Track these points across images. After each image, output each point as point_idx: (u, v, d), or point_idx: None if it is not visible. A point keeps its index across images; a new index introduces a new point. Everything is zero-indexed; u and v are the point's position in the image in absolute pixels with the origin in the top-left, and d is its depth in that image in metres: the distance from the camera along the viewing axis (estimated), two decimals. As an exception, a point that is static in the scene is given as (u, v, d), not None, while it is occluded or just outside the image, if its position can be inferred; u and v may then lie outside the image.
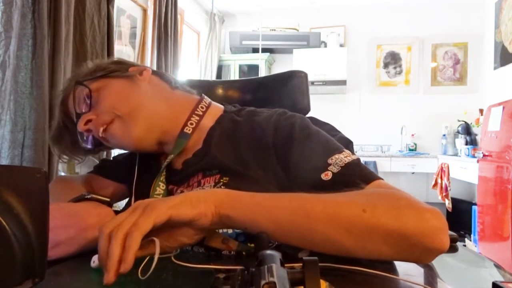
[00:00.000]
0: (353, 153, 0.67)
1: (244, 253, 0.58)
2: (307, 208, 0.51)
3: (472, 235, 3.39)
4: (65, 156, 0.84)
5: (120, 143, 0.76)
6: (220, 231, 0.59)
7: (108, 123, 0.73)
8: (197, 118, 0.78)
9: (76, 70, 0.86)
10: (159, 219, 0.46)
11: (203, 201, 0.50)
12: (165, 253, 0.50)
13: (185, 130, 0.76)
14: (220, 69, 4.60)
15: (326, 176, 0.60)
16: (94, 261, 0.50)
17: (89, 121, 0.73)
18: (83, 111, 0.74)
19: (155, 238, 0.46)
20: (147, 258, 0.47)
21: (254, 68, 4.53)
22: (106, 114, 0.73)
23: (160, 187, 0.74)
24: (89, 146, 0.78)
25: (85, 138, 0.77)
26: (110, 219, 0.49)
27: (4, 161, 1.43)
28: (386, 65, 4.60)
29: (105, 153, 1.82)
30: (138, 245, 0.44)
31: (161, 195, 0.73)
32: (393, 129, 4.52)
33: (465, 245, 3.44)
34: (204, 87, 1.07)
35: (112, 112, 0.73)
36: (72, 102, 0.77)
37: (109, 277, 0.43)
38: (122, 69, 0.80)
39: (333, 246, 0.51)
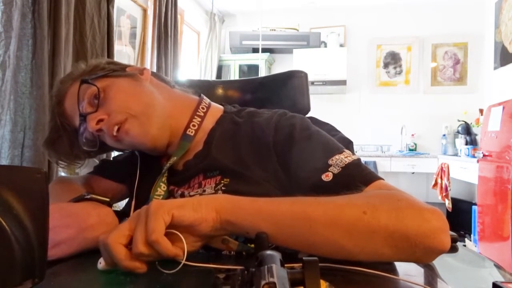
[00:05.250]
0: (353, 153, 0.67)
1: (244, 253, 0.58)
2: (308, 212, 0.51)
3: (472, 235, 3.39)
4: (62, 162, 0.81)
5: (135, 142, 0.74)
6: None
7: (122, 122, 0.72)
8: (199, 119, 0.78)
9: (70, 71, 0.82)
10: (166, 218, 0.47)
11: (204, 206, 0.50)
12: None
13: (187, 132, 0.76)
14: (220, 69, 4.60)
15: (327, 177, 0.60)
16: (101, 262, 0.50)
17: (100, 120, 0.71)
18: (89, 110, 0.72)
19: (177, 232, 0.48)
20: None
21: (254, 68, 4.53)
22: (119, 113, 0.71)
23: (161, 188, 0.73)
24: (87, 148, 0.75)
25: (84, 140, 0.75)
26: (112, 229, 0.49)
27: (4, 161, 1.43)
28: (386, 65, 4.60)
29: (104, 154, 1.81)
30: (168, 241, 0.46)
31: (161, 196, 0.73)
32: (393, 129, 4.52)
33: (465, 245, 3.44)
34: (204, 87, 1.07)
35: (125, 111, 0.72)
36: (70, 102, 0.75)
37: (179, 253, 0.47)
38: (120, 69, 0.79)
39: (334, 249, 0.50)
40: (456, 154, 4.03)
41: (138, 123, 0.72)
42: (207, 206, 0.50)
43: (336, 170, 0.61)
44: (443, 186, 3.66)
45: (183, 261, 0.46)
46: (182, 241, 0.47)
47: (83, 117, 0.72)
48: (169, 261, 0.47)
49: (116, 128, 0.72)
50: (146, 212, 0.48)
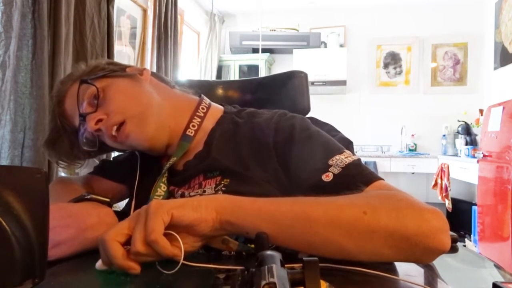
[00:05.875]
0: (353, 153, 0.67)
1: (244, 253, 0.58)
2: (308, 212, 0.51)
3: (472, 236, 3.39)
4: (62, 162, 0.81)
5: (134, 143, 0.74)
6: None
7: (120, 123, 0.72)
8: (199, 120, 0.78)
9: (70, 72, 0.83)
10: (165, 218, 0.47)
11: (204, 207, 0.50)
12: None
13: (187, 133, 0.76)
14: (220, 69, 4.60)
15: (327, 177, 0.60)
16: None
17: (99, 120, 0.71)
18: (88, 111, 0.72)
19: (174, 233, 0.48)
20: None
21: (254, 69, 4.53)
22: (117, 114, 0.72)
23: (162, 188, 0.74)
24: (87, 148, 0.75)
25: (84, 140, 0.75)
26: (110, 228, 0.49)
27: (4, 161, 1.43)
28: (386, 65, 4.60)
29: (104, 154, 1.81)
30: (167, 241, 0.46)
31: (161, 197, 0.73)
32: (393, 129, 4.52)
33: (465, 246, 3.44)
34: (204, 88, 1.07)
35: (123, 111, 0.72)
36: (70, 103, 0.75)
37: (177, 253, 0.46)
38: (120, 69, 0.79)
39: (334, 249, 0.50)
40: (456, 155, 4.03)
41: (136, 123, 0.72)
42: (207, 206, 0.50)
43: (336, 170, 0.61)
44: (443, 186, 3.66)
45: (181, 261, 0.46)
46: (179, 241, 0.47)
47: (83, 117, 0.72)
48: (169, 261, 0.47)
49: (114, 128, 0.72)
50: (145, 212, 0.48)
